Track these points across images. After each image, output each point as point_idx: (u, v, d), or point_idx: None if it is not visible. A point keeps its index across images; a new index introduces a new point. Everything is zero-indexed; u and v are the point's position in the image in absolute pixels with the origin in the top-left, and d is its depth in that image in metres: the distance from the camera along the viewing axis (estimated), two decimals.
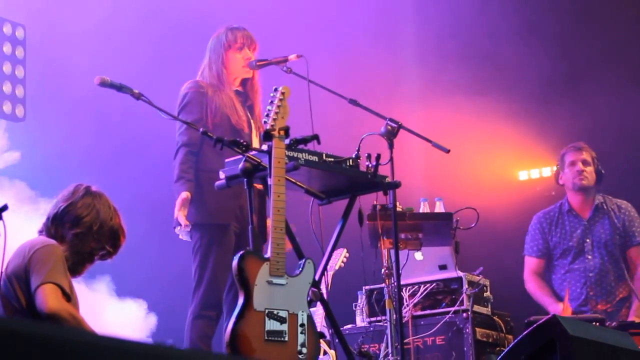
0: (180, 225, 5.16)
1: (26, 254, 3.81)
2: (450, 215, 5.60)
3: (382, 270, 5.09)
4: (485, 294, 6.02)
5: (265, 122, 4.16)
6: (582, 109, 7.53)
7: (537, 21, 8.03)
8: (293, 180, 4.42)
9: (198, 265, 5.22)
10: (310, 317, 4.07)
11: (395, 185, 4.79)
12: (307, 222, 4.78)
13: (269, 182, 4.10)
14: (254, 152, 4.35)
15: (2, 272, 3.82)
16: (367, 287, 6.06)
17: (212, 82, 5.43)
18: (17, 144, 6.77)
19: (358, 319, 6.16)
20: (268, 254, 4.03)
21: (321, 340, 4.35)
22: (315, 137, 4.39)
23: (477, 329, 5.81)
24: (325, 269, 4.77)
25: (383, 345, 5.48)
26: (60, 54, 7.02)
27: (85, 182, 4.10)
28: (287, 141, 4.19)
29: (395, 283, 4.89)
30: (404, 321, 5.51)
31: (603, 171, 6.31)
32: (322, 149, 4.57)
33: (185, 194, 5.16)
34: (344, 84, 5.60)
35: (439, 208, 6.03)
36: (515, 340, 3.94)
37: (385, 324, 5.18)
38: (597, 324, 5.40)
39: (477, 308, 5.89)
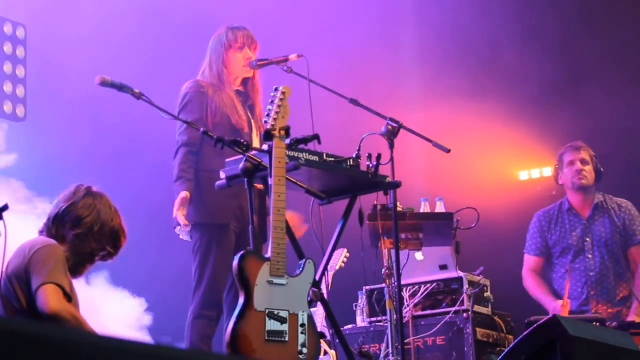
0: (179, 224, 5.17)
1: (26, 254, 3.81)
2: (451, 215, 5.60)
3: (383, 270, 5.09)
4: (485, 294, 6.02)
5: (265, 121, 4.15)
6: (583, 110, 7.54)
7: (538, 24, 8.03)
8: (293, 180, 4.42)
9: (198, 265, 5.22)
10: (310, 317, 4.07)
11: (396, 185, 4.79)
12: (308, 222, 4.77)
13: (269, 182, 4.10)
14: (254, 152, 4.35)
15: (2, 272, 3.82)
16: (367, 287, 6.06)
17: (212, 81, 5.43)
18: (15, 144, 6.77)
19: (358, 319, 6.17)
20: (268, 254, 4.03)
21: (321, 340, 4.35)
22: (316, 137, 4.39)
23: (478, 329, 5.81)
24: (325, 268, 4.77)
25: (383, 345, 5.48)
26: (60, 53, 7.02)
27: (86, 182, 4.10)
28: (287, 141, 4.19)
29: (396, 283, 4.89)
30: (404, 321, 5.51)
31: (602, 169, 6.30)
32: (323, 149, 4.57)
33: (184, 194, 5.16)
34: (345, 84, 5.59)
35: (440, 208, 6.03)
36: (516, 340, 3.94)
37: (385, 324, 5.18)
38: (598, 324, 5.41)
39: (477, 308, 5.89)
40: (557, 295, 6.24)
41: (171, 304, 6.56)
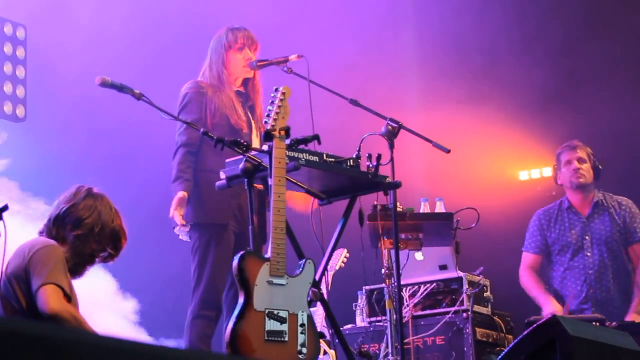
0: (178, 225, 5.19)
1: (26, 255, 3.81)
2: (451, 216, 5.60)
3: (382, 270, 5.10)
4: (485, 294, 6.02)
5: (265, 122, 4.16)
6: (582, 112, 7.54)
7: (538, 29, 8.03)
8: (293, 181, 4.43)
9: (197, 265, 5.23)
10: (310, 317, 4.07)
11: (396, 185, 4.79)
12: (308, 223, 4.78)
13: (269, 182, 4.11)
14: (254, 152, 4.36)
15: (2, 273, 3.82)
16: (367, 287, 6.06)
17: (212, 82, 5.44)
18: (13, 144, 6.77)
19: (358, 319, 6.17)
20: (268, 254, 4.03)
21: (321, 340, 4.35)
22: (316, 137, 4.39)
23: (477, 329, 5.81)
24: (325, 269, 4.78)
25: (383, 345, 5.48)
26: (60, 54, 7.02)
27: (86, 184, 4.11)
28: (287, 141, 4.19)
29: (396, 283, 4.90)
30: (404, 321, 5.51)
31: (600, 167, 6.30)
32: (323, 149, 4.58)
33: (181, 194, 5.17)
34: (345, 85, 5.60)
35: (440, 208, 6.04)
36: (515, 340, 3.95)
37: (385, 324, 5.19)
38: (597, 323, 5.41)
39: (477, 308, 5.90)
40: (556, 295, 6.24)
41: (170, 304, 6.57)
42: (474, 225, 5.65)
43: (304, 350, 4.00)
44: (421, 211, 5.94)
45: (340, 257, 5.81)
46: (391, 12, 8.42)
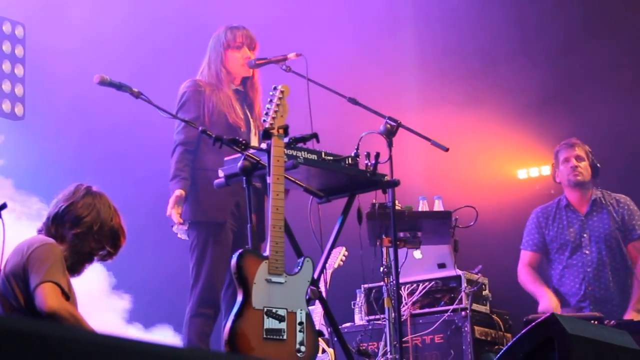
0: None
1: (24, 253, 3.81)
2: (449, 214, 5.60)
3: (381, 268, 5.10)
4: (483, 293, 6.02)
5: (264, 120, 4.16)
6: (581, 110, 7.55)
7: (538, 30, 8.03)
8: (292, 179, 4.43)
9: (195, 264, 5.24)
10: (309, 316, 4.08)
11: (394, 183, 4.79)
12: (306, 221, 4.78)
13: (268, 181, 4.11)
14: (253, 151, 4.36)
15: (0, 271, 3.82)
16: (365, 285, 6.07)
17: (210, 81, 5.44)
18: (10, 142, 6.77)
19: (357, 317, 6.17)
20: (267, 252, 4.03)
21: (320, 339, 4.35)
22: (315, 136, 4.39)
23: (476, 328, 5.82)
24: (324, 267, 4.78)
25: (382, 344, 5.49)
26: (57, 53, 7.02)
27: (84, 182, 4.11)
28: (286, 140, 4.19)
29: (394, 281, 4.90)
30: (402, 319, 5.52)
31: (599, 165, 6.30)
32: (321, 148, 4.57)
33: (178, 192, 5.18)
34: (343, 83, 5.59)
35: (438, 206, 6.04)
36: (514, 339, 3.95)
37: (384, 322, 5.19)
38: (596, 322, 5.41)
39: (475, 306, 5.90)
40: (555, 292, 6.24)
41: (168, 303, 6.57)
42: (472, 223, 5.65)
43: (303, 348, 4.00)
44: (420, 209, 5.94)
45: (338, 256, 5.81)
46: (390, 12, 8.42)
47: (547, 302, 6.04)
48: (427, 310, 5.96)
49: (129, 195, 6.34)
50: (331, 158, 4.59)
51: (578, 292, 6.18)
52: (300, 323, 4.02)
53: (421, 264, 6.05)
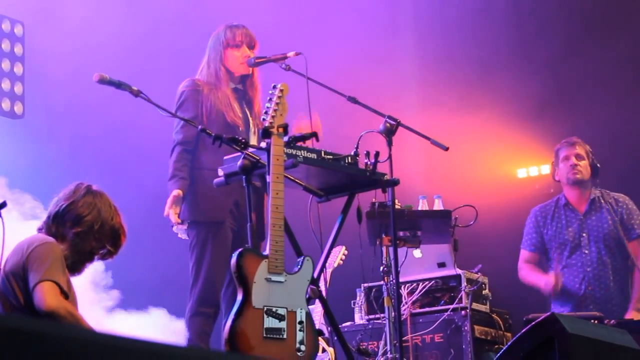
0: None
1: (24, 252, 3.81)
2: (449, 213, 5.60)
3: (381, 267, 5.09)
4: (483, 292, 6.02)
5: (263, 119, 4.15)
6: (581, 110, 7.55)
7: (539, 31, 8.03)
8: (292, 178, 4.42)
9: (194, 263, 5.24)
10: (308, 315, 4.07)
11: (394, 182, 4.78)
12: (306, 220, 4.77)
13: (267, 180, 4.10)
14: (252, 150, 4.35)
15: (0, 270, 3.82)
16: (365, 284, 6.07)
17: (209, 80, 5.44)
18: (5, 141, 6.76)
19: (357, 316, 6.17)
20: (267, 252, 4.03)
21: (320, 338, 4.35)
22: (314, 135, 4.39)
23: (476, 327, 5.81)
24: (324, 266, 4.78)
25: (382, 343, 5.48)
26: (56, 52, 7.01)
27: (82, 181, 4.10)
28: (285, 138, 4.18)
29: (394, 280, 4.89)
30: (402, 319, 5.52)
31: (599, 165, 6.30)
32: (321, 146, 4.57)
33: (176, 192, 5.18)
34: (343, 82, 5.59)
35: (438, 206, 6.03)
36: (514, 338, 3.94)
37: (383, 322, 5.19)
38: (596, 321, 5.41)
39: (475, 306, 5.90)
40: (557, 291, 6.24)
41: (169, 302, 6.56)
42: (472, 222, 5.65)
43: (303, 347, 4.00)
44: (419, 209, 5.94)
45: (338, 255, 5.81)
46: (390, 12, 8.42)
47: (548, 280, 6.05)
48: (427, 309, 5.96)
49: (127, 195, 6.34)
50: (331, 157, 4.59)
51: (578, 292, 6.18)
52: (300, 322, 4.02)
53: (421, 263, 6.05)
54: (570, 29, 7.87)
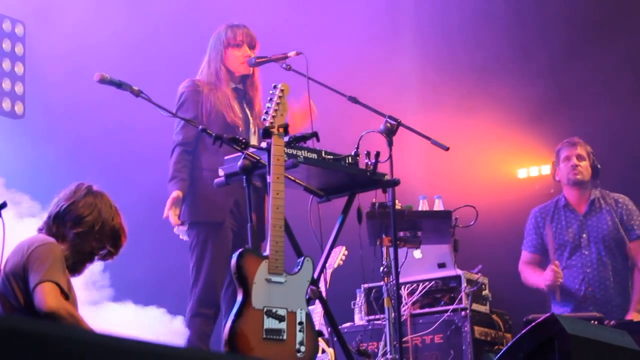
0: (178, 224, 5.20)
1: (24, 252, 3.81)
2: (449, 213, 5.60)
3: (381, 268, 5.09)
4: (483, 292, 6.02)
5: (264, 119, 4.15)
6: (582, 110, 7.54)
7: (546, 28, 8.03)
8: (292, 178, 4.42)
9: (195, 264, 5.24)
10: (308, 315, 4.07)
11: (395, 183, 4.78)
12: (306, 220, 4.77)
13: (268, 180, 4.10)
14: (253, 150, 4.35)
15: (0, 270, 3.82)
16: (365, 285, 6.06)
17: (209, 80, 5.44)
18: (2, 141, 6.76)
19: (357, 317, 6.16)
20: (267, 252, 4.03)
21: (320, 339, 4.34)
22: (315, 135, 4.38)
23: (476, 328, 5.81)
24: (324, 266, 4.77)
25: (381, 344, 5.48)
26: (58, 51, 7.01)
27: (85, 181, 4.10)
28: (286, 138, 4.18)
29: (394, 281, 4.89)
30: (402, 319, 5.51)
31: (599, 166, 6.29)
32: (321, 147, 4.57)
33: (175, 193, 5.18)
34: (344, 82, 5.59)
35: (438, 206, 6.03)
36: (514, 339, 3.94)
37: (383, 322, 5.18)
38: (596, 322, 5.41)
39: (475, 306, 5.89)
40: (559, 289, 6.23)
41: (168, 303, 6.55)
42: (472, 223, 5.64)
43: (303, 348, 4.00)
44: (420, 209, 5.94)
45: (338, 255, 5.81)
46: (391, 10, 8.42)
47: (546, 276, 6.05)
48: (427, 310, 5.96)
49: (126, 196, 6.33)
50: (331, 157, 4.58)
51: (578, 293, 6.17)
52: (300, 323, 4.02)
53: (421, 264, 6.04)
54: (570, 31, 7.87)
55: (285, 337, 3.95)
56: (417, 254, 5.95)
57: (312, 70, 5.14)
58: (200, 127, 4.56)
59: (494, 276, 6.21)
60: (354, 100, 5.18)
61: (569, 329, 3.67)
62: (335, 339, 4.80)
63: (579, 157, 6.26)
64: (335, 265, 5.77)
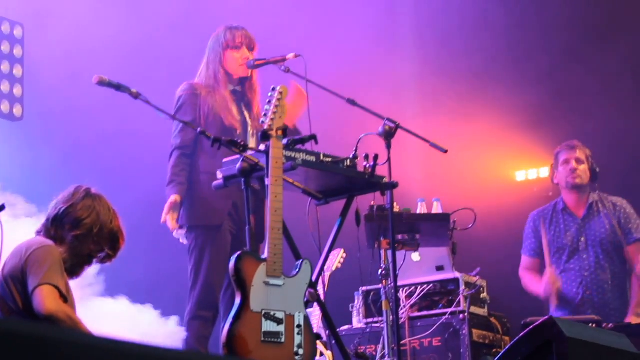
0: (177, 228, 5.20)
1: (23, 255, 3.80)
2: (448, 216, 5.60)
3: (379, 271, 5.09)
4: (482, 295, 6.02)
5: (262, 121, 4.15)
6: (580, 112, 7.55)
7: (548, 30, 8.03)
8: (290, 181, 4.42)
9: (193, 267, 5.24)
10: (307, 318, 4.07)
11: (393, 185, 4.78)
12: (305, 223, 4.77)
13: (266, 183, 4.10)
14: (251, 152, 4.35)
15: None
16: (364, 288, 6.06)
17: (208, 82, 5.44)
18: (6, 143, 6.76)
19: (355, 320, 6.16)
20: (265, 255, 4.03)
21: (318, 342, 4.34)
22: (313, 137, 4.38)
23: (474, 331, 5.81)
24: (322, 269, 4.77)
25: (380, 347, 5.48)
26: (58, 53, 7.01)
27: (84, 184, 4.10)
28: (284, 141, 4.18)
29: (392, 284, 4.89)
30: (400, 322, 5.51)
31: (598, 169, 6.30)
32: (320, 149, 4.57)
33: (173, 198, 5.18)
34: (342, 84, 5.59)
35: (437, 209, 6.03)
36: (512, 342, 3.94)
37: (382, 325, 5.18)
38: (594, 325, 5.41)
39: (473, 309, 5.89)
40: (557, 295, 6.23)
41: (168, 306, 6.55)
42: (470, 226, 5.64)
43: (301, 351, 4.00)
44: (418, 212, 5.94)
45: (337, 258, 5.81)
46: (390, 12, 8.42)
47: (545, 286, 6.05)
48: (425, 313, 5.96)
49: (124, 199, 6.33)
50: (330, 160, 4.59)
51: (576, 297, 6.18)
52: (299, 326, 4.02)
53: (419, 267, 6.04)
54: (569, 35, 7.87)
55: (283, 340, 3.95)
56: (415, 256, 5.95)
57: (311, 73, 5.15)
58: (199, 129, 4.56)
59: (492, 279, 6.22)
60: (352, 102, 5.19)
61: (567, 332, 3.67)
62: (333, 341, 4.80)
63: (578, 161, 6.26)
64: (334, 268, 5.78)
